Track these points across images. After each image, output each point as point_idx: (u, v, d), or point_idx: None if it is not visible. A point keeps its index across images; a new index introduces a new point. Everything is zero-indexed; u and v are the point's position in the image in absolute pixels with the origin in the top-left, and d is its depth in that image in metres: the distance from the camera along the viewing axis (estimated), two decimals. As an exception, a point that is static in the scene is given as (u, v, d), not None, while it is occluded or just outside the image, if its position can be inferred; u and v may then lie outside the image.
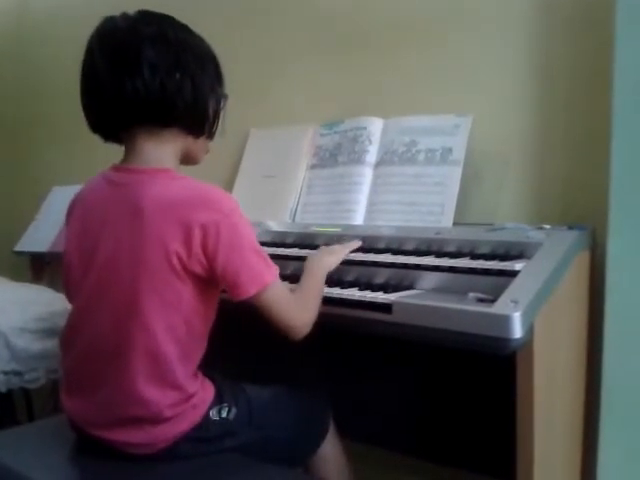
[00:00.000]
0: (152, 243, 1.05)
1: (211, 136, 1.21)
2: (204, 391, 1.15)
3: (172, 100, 1.08)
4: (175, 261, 1.04)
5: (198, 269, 1.06)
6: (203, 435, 1.13)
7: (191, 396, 1.11)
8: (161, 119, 1.11)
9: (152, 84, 1.06)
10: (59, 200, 2.51)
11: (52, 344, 1.89)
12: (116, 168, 1.16)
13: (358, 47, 1.83)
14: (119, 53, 1.07)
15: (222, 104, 1.20)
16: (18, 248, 2.61)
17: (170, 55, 1.08)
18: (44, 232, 2.50)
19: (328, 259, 1.31)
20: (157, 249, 1.04)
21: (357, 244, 1.40)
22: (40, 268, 2.60)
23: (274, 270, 1.11)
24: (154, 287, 1.05)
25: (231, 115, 1.23)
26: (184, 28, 1.15)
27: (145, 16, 1.12)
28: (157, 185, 1.09)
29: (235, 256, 1.06)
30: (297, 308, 1.14)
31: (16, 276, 2.43)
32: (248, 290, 1.07)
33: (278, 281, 1.12)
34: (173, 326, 1.08)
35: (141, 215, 1.06)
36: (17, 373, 1.86)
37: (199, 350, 1.15)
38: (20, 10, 3.07)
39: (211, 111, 1.16)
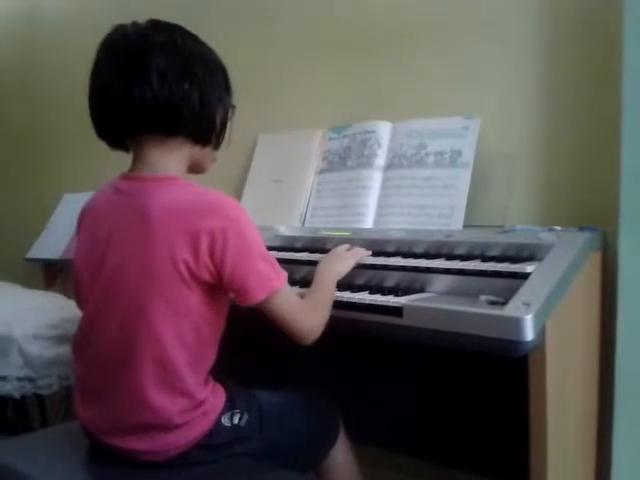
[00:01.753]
0: (159, 251, 1.05)
1: (218, 146, 1.21)
2: (214, 398, 1.15)
3: (180, 109, 1.08)
4: (183, 268, 1.04)
5: (206, 276, 1.06)
6: (214, 442, 1.12)
7: (201, 403, 1.11)
8: (168, 127, 1.10)
9: (160, 92, 1.06)
10: (70, 207, 2.53)
11: (65, 350, 1.90)
12: (124, 177, 1.16)
13: (364, 51, 1.84)
14: (128, 60, 1.07)
15: (230, 114, 1.20)
16: (30, 255, 2.63)
17: (179, 64, 1.08)
18: (56, 239, 2.52)
19: (338, 266, 1.31)
20: (164, 257, 1.04)
21: (367, 253, 1.40)
22: (52, 275, 2.62)
23: (282, 276, 1.11)
24: (161, 294, 1.05)
25: (239, 121, 1.24)
26: (194, 38, 1.15)
27: (155, 25, 1.12)
28: (163, 193, 1.09)
29: (243, 262, 1.06)
30: (305, 314, 1.14)
31: (28, 283, 2.45)
32: (257, 296, 1.07)
33: (286, 287, 1.12)
34: (181, 333, 1.08)
35: (148, 223, 1.06)
36: (30, 379, 1.87)
37: (209, 357, 1.15)
38: (29, 19, 3.09)
39: (218, 121, 1.16)
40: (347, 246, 1.42)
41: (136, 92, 1.06)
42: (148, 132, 1.12)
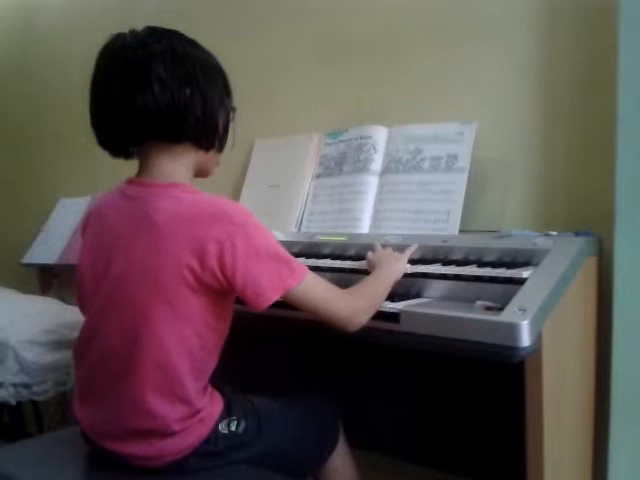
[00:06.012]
0: (165, 257, 1.04)
1: (221, 149, 1.21)
2: (212, 405, 1.14)
3: (182, 115, 1.08)
4: (188, 275, 1.04)
5: (213, 282, 1.05)
6: (212, 449, 1.12)
7: (199, 411, 1.11)
8: (172, 134, 1.11)
9: (162, 100, 1.06)
10: (66, 211, 2.52)
11: (60, 356, 1.90)
12: (130, 181, 1.16)
13: (361, 56, 1.84)
14: (129, 70, 1.07)
15: (231, 117, 1.21)
16: (26, 260, 2.62)
17: (179, 70, 1.08)
18: (52, 244, 2.51)
19: (398, 267, 1.29)
20: (170, 263, 1.04)
21: (415, 247, 1.38)
22: (48, 280, 2.61)
23: (298, 272, 1.09)
24: (166, 300, 1.05)
25: (236, 126, 1.24)
26: (192, 43, 1.15)
27: (153, 32, 1.12)
28: (170, 199, 1.09)
29: (253, 266, 1.04)
30: (343, 300, 1.13)
31: (24, 288, 2.44)
32: (271, 296, 1.05)
33: (308, 279, 1.10)
34: (185, 339, 1.07)
35: (154, 230, 1.06)
36: (26, 385, 1.87)
37: (211, 364, 1.15)
38: (26, 26, 3.09)
39: (221, 124, 1.16)
40: (389, 249, 1.38)
41: (138, 102, 1.06)
42: (154, 139, 1.12)
